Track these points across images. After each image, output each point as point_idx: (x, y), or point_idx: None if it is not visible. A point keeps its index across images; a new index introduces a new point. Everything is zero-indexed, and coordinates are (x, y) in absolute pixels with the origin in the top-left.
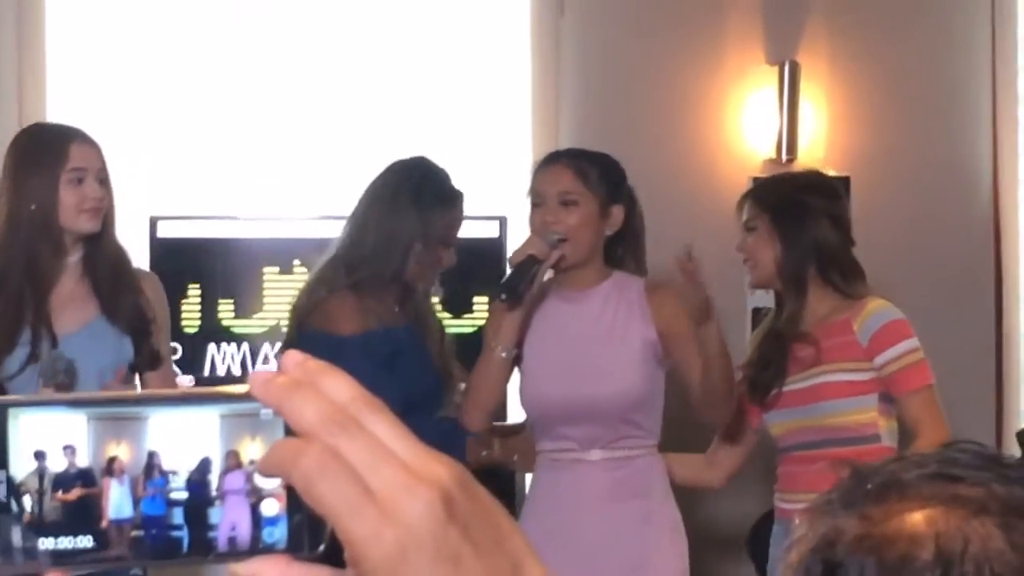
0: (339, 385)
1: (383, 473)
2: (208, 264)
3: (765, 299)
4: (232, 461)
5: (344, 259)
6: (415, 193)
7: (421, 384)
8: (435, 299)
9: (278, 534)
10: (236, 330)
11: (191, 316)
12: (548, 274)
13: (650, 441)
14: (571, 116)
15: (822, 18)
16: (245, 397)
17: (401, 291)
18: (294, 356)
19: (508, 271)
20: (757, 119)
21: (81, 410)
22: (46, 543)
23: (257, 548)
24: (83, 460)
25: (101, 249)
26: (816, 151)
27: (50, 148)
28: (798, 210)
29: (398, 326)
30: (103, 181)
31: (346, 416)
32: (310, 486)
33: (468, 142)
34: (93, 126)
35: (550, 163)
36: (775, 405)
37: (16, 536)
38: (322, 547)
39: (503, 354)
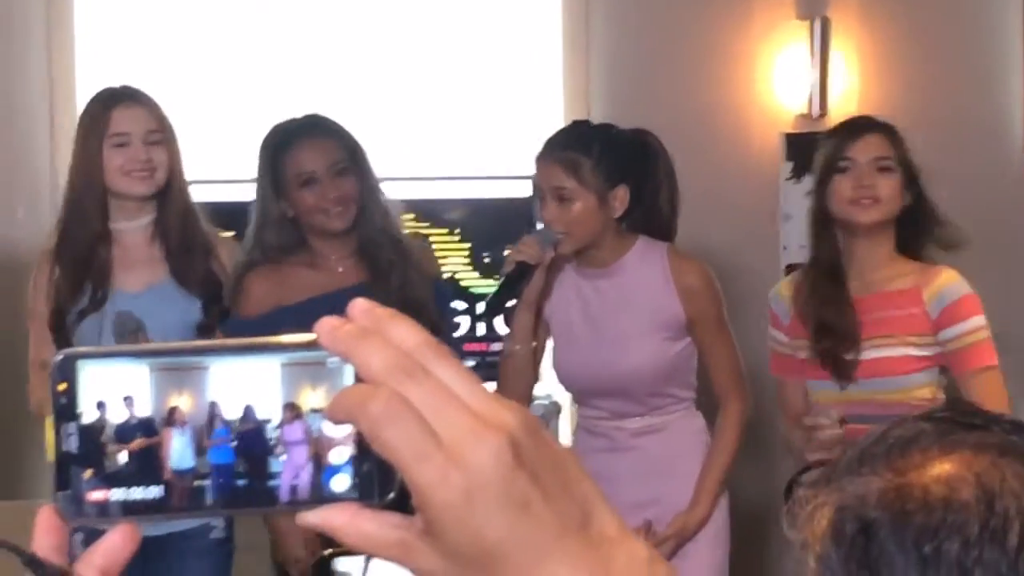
0: (406, 332)
1: (450, 418)
2: (233, 228)
3: (799, 255)
4: (291, 412)
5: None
6: (260, 160)
7: None
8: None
9: (347, 483)
10: None
11: None
12: None
13: (683, 405)
14: (601, 74)
15: None
16: (311, 346)
17: (339, 246)
18: (361, 304)
19: (501, 280)
20: (789, 75)
21: (144, 361)
22: (116, 494)
23: (325, 496)
24: (144, 410)
25: (167, 210)
26: (848, 106)
27: (95, 115)
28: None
29: (328, 291)
30: (155, 142)
31: (413, 363)
32: (377, 431)
33: (499, 103)
34: None
35: (542, 157)
36: (854, 375)
37: (88, 487)
38: (392, 495)
39: (519, 349)
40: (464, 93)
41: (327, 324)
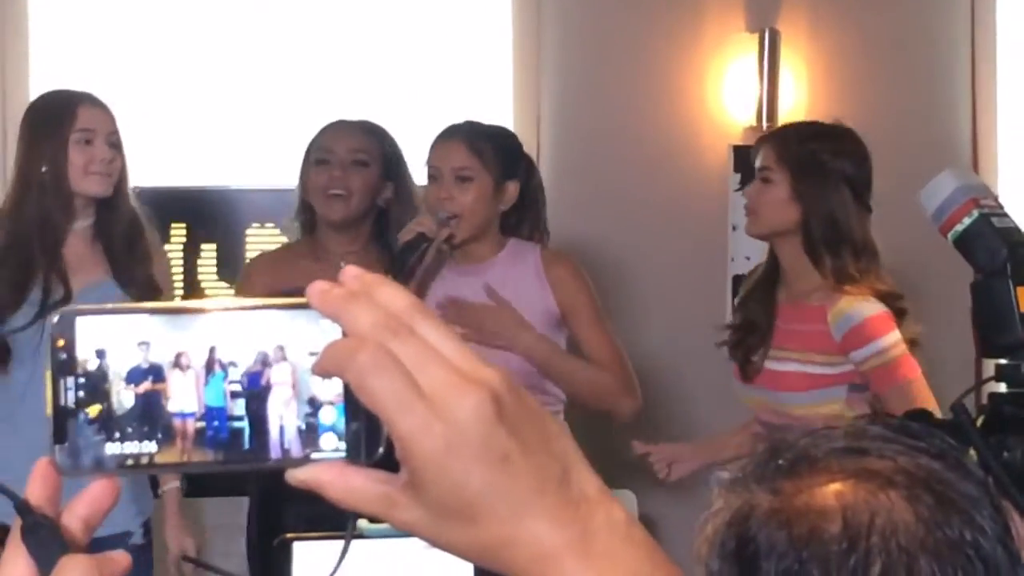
0: (394, 295)
1: (433, 373)
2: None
3: (746, 267)
4: (279, 353)
5: None
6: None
7: None
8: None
9: (335, 442)
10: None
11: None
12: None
13: (556, 407)
14: (551, 87)
15: None
16: (304, 307)
17: None
18: (352, 270)
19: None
20: (737, 87)
21: (143, 313)
22: (111, 447)
23: (314, 455)
24: (143, 358)
25: (114, 214)
26: (796, 117)
27: (60, 110)
28: (820, 173)
29: None
30: (114, 144)
31: (399, 323)
32: (363, 381)
33: (448, 117)
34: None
35: (446, 138)
36: (753, 378)
37: (84, 440)
38: (380, 453)
39: None
40: (413, 102)
41: (318, 287)
